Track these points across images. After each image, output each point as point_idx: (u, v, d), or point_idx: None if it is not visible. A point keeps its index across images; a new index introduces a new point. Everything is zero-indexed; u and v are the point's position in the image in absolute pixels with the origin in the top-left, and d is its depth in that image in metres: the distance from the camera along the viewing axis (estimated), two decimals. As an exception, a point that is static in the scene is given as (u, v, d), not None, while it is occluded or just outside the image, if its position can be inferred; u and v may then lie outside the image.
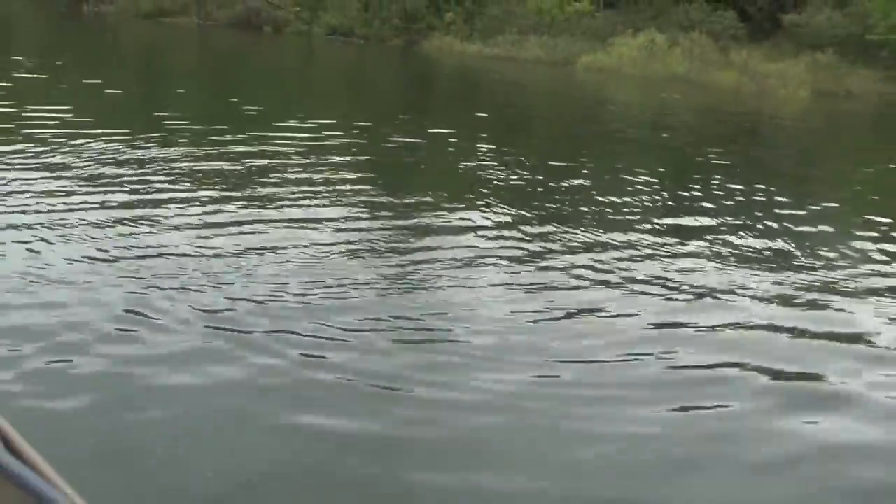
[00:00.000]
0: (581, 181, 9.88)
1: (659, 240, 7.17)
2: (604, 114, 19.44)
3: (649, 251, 6.77)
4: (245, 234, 6.20)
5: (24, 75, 15.46)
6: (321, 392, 3.85)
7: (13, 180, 7.13)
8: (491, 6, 37.68)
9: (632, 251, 6.70)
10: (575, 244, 6.79)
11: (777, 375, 4.48)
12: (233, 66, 24.34)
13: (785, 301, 5.71)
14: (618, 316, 5.19)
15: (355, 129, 12.23)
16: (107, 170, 7.97)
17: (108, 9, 40.34)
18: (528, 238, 6.87)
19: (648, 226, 7.70)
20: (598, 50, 31.39)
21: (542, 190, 9.19)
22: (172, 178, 7.90)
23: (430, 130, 13.28)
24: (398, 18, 36.80)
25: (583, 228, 7.32)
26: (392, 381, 4.01)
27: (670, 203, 8.98)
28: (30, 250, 5.34)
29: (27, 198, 6.62)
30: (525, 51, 33.40)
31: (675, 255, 6.73)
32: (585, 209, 8.30)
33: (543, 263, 6.17)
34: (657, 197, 9.17)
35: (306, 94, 18.59)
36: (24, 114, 10.82)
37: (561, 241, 6.88)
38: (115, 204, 6.70)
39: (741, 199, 9.41)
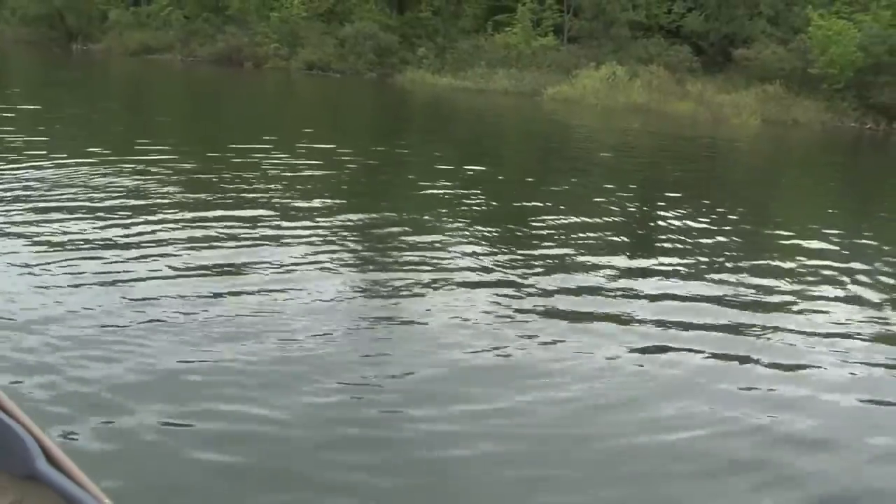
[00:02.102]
0: (544, 201, 10.35)
1: (617, 256, 7.70)
2: (568, 139, 20.50)
3: (606, 267, 7.19)
4: (208, 254, 6.48)
5: (11, 107, 16.01)
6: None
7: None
8: (461, 41, 39.52)
9: (589, 267, 7.16)
10: (536, 263, 7.13)
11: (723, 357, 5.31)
12: (212, 98, 25.25)
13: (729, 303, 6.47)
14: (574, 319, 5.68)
15: (328, 154, 12.69)
16: (75, 194, 8.22)
17: (97, 47, 41.67)
18: (489, 257, 7.17)
19: (605, 242, 8.25)
20: (564, 82, 33.18)
21: (504, 209, 9.66)
22: (137, 204, 8.11)
23: (399, 155, 14.05)
24: (373, 53, 38.45)
25: (545, 247, 7.75)
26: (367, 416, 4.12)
27: (626, 220, 9.58)
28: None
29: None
30: (494, 83, 35.09)
31: (630, 269, 7.26)
32: (547, 228, 8.75)
33: (503, 284, 6.40)
34: (614, 215, 9.72)
35: (281, 122, 18.88)
36: (6, 141, 11.33)
37: (521, 260, 7.20)
38: (74, 230, 6.87)
39: (699, 216, 10.14)
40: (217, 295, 5.52)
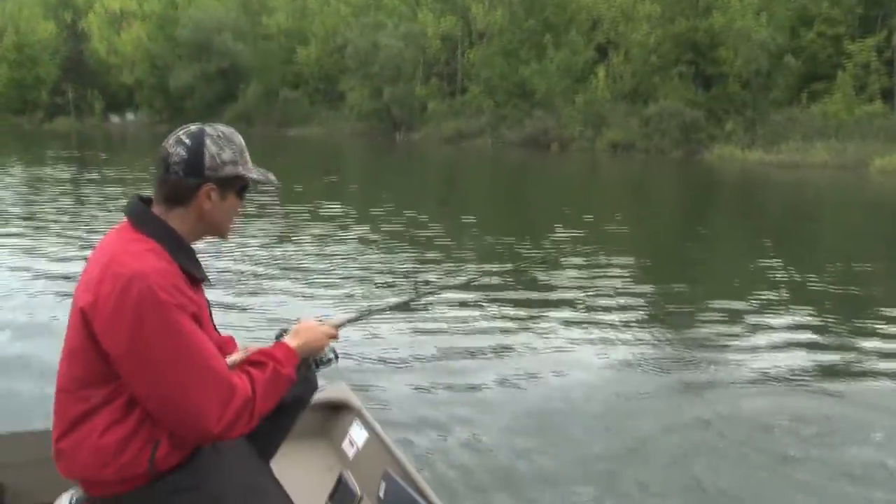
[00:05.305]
0: (871, 288, 9.38)
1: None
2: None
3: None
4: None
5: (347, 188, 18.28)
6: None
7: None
8: (772, 114, 37.76)
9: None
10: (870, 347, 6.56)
11: None
12: (520, 181, 26.26)
13: None
14: None
15: (629, 235, 12.77)
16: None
17: (416, 135, 45.79)
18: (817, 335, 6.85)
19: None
20: (894, 151, 30.32)
21: (826, 295, 8.74)
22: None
23: (702, 235, 13.74)
24: (678, 131, 37.94)
25: (868, 336, 7.01)
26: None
27: None
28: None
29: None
30: (811, 156, 32.94)
31: None
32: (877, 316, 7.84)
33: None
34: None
35: (587, 205, 18.88)
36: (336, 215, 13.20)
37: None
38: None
39: None
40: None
